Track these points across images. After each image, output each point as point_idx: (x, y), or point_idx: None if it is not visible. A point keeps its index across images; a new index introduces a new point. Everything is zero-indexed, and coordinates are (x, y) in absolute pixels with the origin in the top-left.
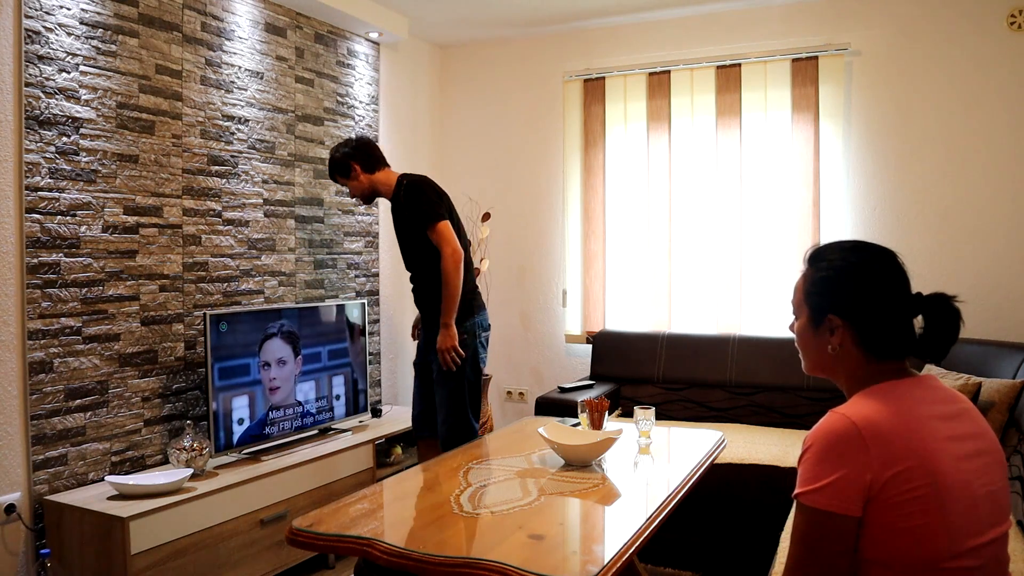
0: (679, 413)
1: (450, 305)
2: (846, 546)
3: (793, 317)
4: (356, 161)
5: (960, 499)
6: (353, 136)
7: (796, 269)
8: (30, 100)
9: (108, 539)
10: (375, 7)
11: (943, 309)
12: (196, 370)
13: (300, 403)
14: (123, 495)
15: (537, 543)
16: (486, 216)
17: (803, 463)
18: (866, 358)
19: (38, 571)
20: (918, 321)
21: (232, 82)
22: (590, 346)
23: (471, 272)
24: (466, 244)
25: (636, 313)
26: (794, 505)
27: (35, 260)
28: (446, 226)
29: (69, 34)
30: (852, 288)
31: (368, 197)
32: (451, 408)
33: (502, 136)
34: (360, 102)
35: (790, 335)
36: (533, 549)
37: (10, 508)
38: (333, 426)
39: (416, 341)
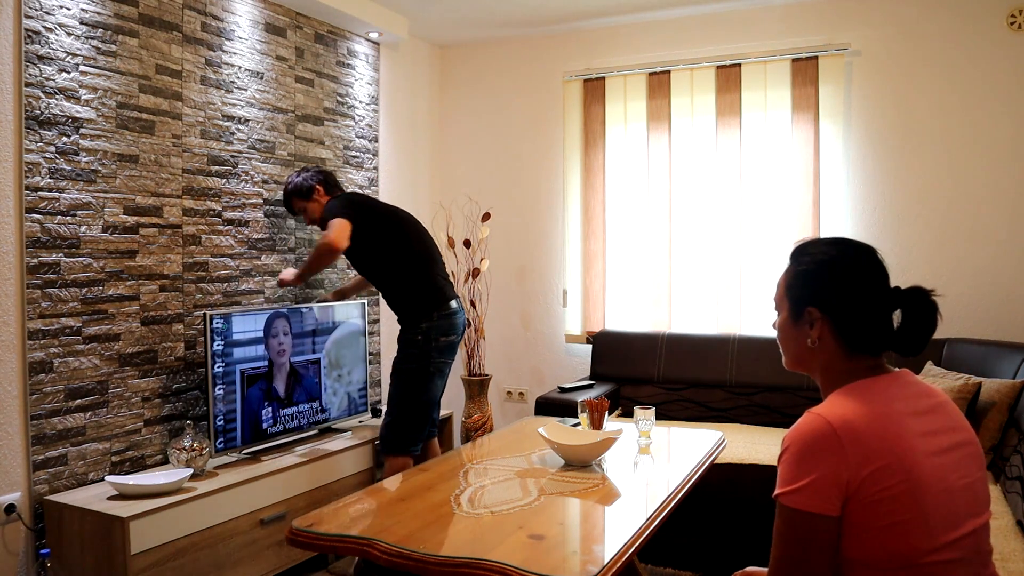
0: (679, 413)
1: (307, 267)
2: (827, 545)
3: (776, 314)
4: (320, 183)
5: (936, 494)
6: (309, 166)
7: None
8: (30, 100)
9: (108, 539)
10: (375, 7)
11: (920, 302)
12: (196, 370)
13: (300, 403)
14: (123, 495)
15: (537, 543)
16: (486, 216)
17: (782, 464)
18: (843, 352)
19: (38, 571)
20: (897, 317)
21: (232, 82)
22: (590, 346)
23: (430, 275)
24: (426, 249)
25: (636, 313)
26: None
27: (35, 260)
28: (338, 222)
29: (69, 34)
30: (831, 280)
31: (322, 221)
32: (388, 406)
33: (502, 136)
34: (360, 102)
35: None
36: (533, 549)
37: (10, 508)
38: (333, 426)
39: None
